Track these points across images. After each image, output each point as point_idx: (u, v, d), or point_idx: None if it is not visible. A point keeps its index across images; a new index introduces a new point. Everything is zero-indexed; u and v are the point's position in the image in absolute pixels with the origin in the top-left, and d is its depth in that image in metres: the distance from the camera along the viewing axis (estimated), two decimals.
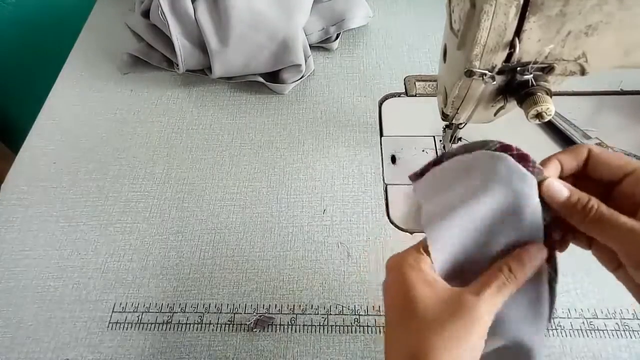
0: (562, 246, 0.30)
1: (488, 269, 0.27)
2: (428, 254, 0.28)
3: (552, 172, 0.28)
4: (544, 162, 0.29)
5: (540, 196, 0.28)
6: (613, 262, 0.28)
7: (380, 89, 0.63)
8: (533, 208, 0.28)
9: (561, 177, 0.29)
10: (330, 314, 0.44)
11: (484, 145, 0.31)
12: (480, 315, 0.25)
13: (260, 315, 0.44)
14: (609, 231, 0.26)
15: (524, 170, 0.28)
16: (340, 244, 0.49)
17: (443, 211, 0.29)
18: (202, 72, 0.64)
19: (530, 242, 0.28)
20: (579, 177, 0.29)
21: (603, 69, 0.35)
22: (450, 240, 0.28)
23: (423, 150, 0.56)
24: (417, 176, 0.32)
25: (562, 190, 0.27)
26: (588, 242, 0.30)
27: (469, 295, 0.26)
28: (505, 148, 0.30)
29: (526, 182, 0.28)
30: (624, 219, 0.25)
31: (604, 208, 0.26)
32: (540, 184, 0.28)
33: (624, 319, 0.42)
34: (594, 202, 0.26)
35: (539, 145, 0.55)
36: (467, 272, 0.28)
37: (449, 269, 0.28)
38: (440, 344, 0.24)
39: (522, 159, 0.28)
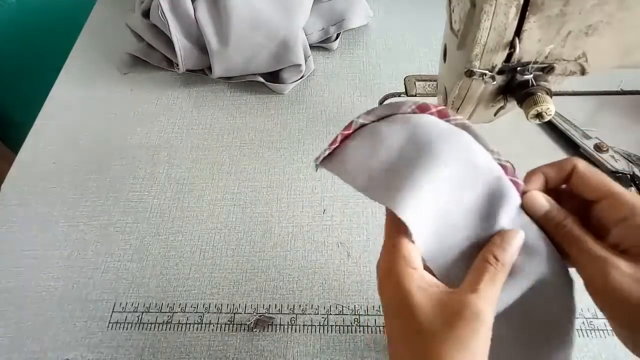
0: None
1: (474, 262, 0.27)
2: (406, 239, 0.27)
3: (536, 185, 0.29)
4: (529, 175, 0.29)
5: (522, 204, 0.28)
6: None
7: (380, 89, 0.63)
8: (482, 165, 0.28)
9: (545, 190, 0.30)
10: (330, 314, 0.44)
11: (397, 108, 0.30)
12: (482, 312, 0.25)
13: (260, 315, 0.44)
14: (575, 253, 0.26)
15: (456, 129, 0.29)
16: (340, 244, 0.49)
17: (392, 182, 0.27)
18: (202, 72, 0.64)
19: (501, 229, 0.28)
20: (564, 190, 0.30)
21: (603, 69, 0.35)
22: (422, 212, 0.27)
23: None
24: (326, 159, 0.30)
25: (542, 204, 0.28)
26: (568, 258, 0.30)
27: (466, 295, 0.25)
28: (423, 108, 0.29)
29: (460, 143, 0.28)
30: (591, 244, 0.26)
31: (576, 229, 0.27)
32: (523, 194, 0.28)
33: None
34: (568, 222, 0.27)
35: (539, 145, 0.55)
36: (448, 249, 0.28)
37: (433, 248, 0.28)
38: (449, 352, 0.24)
39: (443, 115, 0.29)
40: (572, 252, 0.27)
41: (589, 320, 0.42)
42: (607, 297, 0.25)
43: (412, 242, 0.27)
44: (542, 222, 0.28)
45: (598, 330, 0.42)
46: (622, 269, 0.24)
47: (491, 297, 0.25)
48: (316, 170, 0.31)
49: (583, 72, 0.34)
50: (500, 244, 0.27)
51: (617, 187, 0.28)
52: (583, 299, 0.27)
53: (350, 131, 0.30)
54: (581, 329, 0.42)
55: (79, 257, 0.49)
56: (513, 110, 0.39)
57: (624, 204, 0.27)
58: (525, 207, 0.28)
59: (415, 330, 0.25)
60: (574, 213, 0.28)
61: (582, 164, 0.29)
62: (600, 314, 0.42)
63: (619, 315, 0.25)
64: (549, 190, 0.30)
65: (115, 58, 0.67)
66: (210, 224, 0.51)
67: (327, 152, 0.31)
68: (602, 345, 0.41)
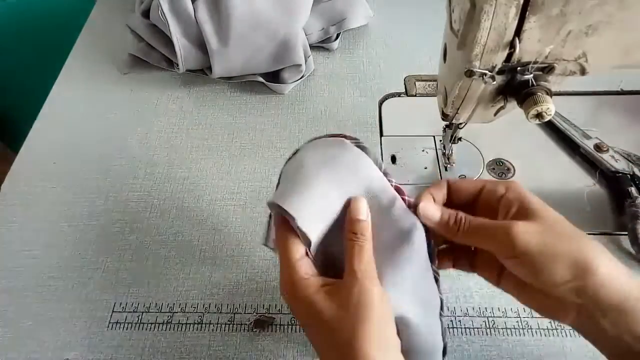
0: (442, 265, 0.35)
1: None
2: (292, 253, 0.30)
3: (427, 201, 0.33)
4: (420, 196, 0.33)
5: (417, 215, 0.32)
6: (493, 273, 0.33)
7: (380, 89, 0.63)
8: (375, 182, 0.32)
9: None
10: None
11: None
12: (366, 285, 0.28)
13: (260, 315, 0.44)
14: (480, 234, 0.30)
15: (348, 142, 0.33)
16: None
17: (295, 188, 0.31)
18: (202, 72, 0.64)
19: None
20: (449, 205, 0.33)
21: (603, 69, 0.35)
22: (311, 209, 0.30)
23: (423, 150, 0.56)
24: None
25: (435, 211, 0.32)
26: (470, 265, 0.35)
27: (349, 278, 0.29)
28: (336, 135, 0.34)
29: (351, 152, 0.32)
30: (487, 221, 0.30)
31: (471, 217, 0.31)
32: (415, 207, 0.32)
33: None
34: (462, 215, 0.31)
35: (539, 145, 0.56)
36: (335, 244, 0.30)
37: (321, 242, 0.30)
38: (359, 330, 0.27)
39: (347, 138, 0.33)
40: (476, 236, 0.31)
41: None
42: (513, 253, 0.29)
43: (297, 256, 0.30)
44: (439, 227, 0.32)
45: None
46: (520, 226, 0.28)
47: (366, 269, 0.29)
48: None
49: (583, 72, 0.34)
50: (351, 218, 0.30)
51: (487, 179, 0.34)
52: None
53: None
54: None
55: (79, 257, 0.49)
56: (513, 110, 0.39)
57: (497, 184, 0.32)
58: (421, 219, 0.32)
59: (327, 329, 0.28)
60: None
61: (452, 180, 0.34)
62: None
63: (523, 264, 0.29)
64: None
65: (115, 58, 0.67)
66: (210, 224, 0.51)
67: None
68: None
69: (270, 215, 0.36)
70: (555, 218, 0.29)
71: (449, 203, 0.34)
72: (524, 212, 0.30)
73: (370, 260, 0.29)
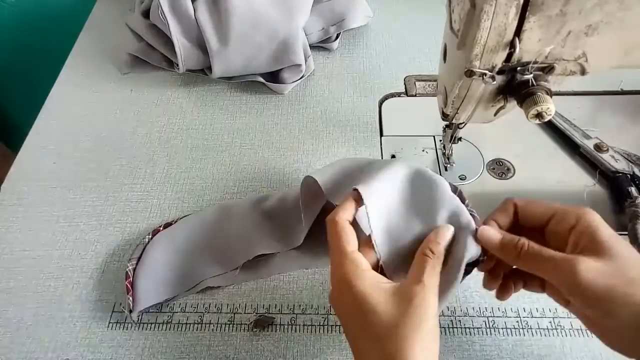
0: (504, 294, 0.35)
1: (415, 258, 0.31)
2: (351, 247, 0.32)
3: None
4: (485, 221, 0.33)
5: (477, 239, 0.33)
6: (562, 297, 0.32)
7: (380, 89, 0.63)
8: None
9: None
10: (330, 314, 0.44)
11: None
12: (427, 299, 0.29)
13: (260, 315, 0.44)
14: (539, 264, 0.30)
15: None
16: None
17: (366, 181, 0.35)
18: (202, 72, 0.64)
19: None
20: (515, 228, 0.33)
21: (603, 69, 0.35)
22: (380, 206, 0.34)
23: (423, 150, 0.56)
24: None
25: (495, 235, 0.32)
26: (540, 286, 0.34)
27: (413, 286, 0.29)
28: None
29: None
30: (551, 252, 0.29)
31: (533, 244, 0.30)
32: (475, 232, 0.33)
33: None
34: (524, 240, 0.30)
35: (539, 145, 0.56)
36: (397, 248, 0.33)
37: (385, 239, 0.33)
38: (407, 333, 0.28)
39: None
40: (536, 266, 0.30)
41: None
42: (577, 292, 0.28)
43: (353, 248, 0.32)
44: (499, 251, 0.32)
45: None
46: (586, 264, 0.27)
47: (433, 285, 0.30)
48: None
49: (583, 72, 0.34)
50: (435, 239, 0.32)
51: (557, 204, 0.32)
52: None
53: None
54: (581, 329, 0.42)
55: (79, 257, 0.49)
56: (513, 110, 0.39)
57: (568, 213, 0.31)
58: (481, 243, 0.32)
59: (376, 322, 0.28)
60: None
61: (520, 201, 0.34)
62: None
63: (588, 305, 0.28)
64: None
65: (115, 58, 0.67)
66: None
67: None
68: (602, 345, 0.41)
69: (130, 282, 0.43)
70: (628, 257, 0.28)
71: (516, 227, 0.33)
72: (594, 247, 0.28)
73: (437, 279, 0.30)
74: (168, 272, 0.45)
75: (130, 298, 0.43)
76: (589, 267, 0.27)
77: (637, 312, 0.26)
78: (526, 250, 0.30)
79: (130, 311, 0.43)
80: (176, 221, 0.49)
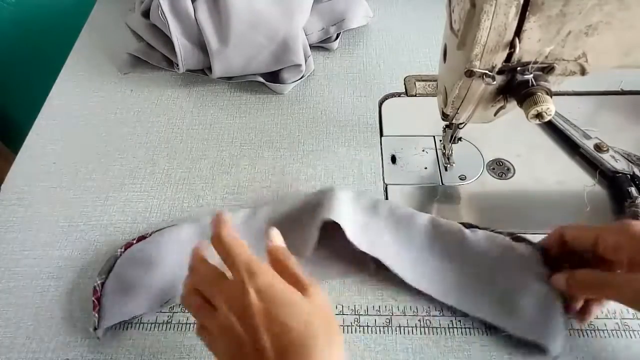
0: (585, 318, 0.39)
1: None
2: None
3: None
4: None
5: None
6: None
7: (380, 89, 0.63)
8: None
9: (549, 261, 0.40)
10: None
11: None
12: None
13: None
14: (599, 290, 0.35)
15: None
16: None
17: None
18: (202, 72, 0.64)
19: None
20: (568, 254, 0.38)
21: (603, 69, 0.35)
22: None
23: (423, 150, 0.56)
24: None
25: (560, 279, 0.37)
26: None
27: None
28: None
29: None
30: (610, 276, 0.33)
31: (588, 272, 0.35)
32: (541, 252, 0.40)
33: (624, 319, 0.42)
34: (578, 275, 0.35)
35: (539, 145, 0.55)
36: None
37: None
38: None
39: None
40: (599, 292, 0.35)
41: None
42: None
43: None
44: (568, 289, 0.37)
45: (598, 330, 0.42)
46: None
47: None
48: None
49: (583, 72, 0.34)
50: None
51: (601, 226, 0.36)
52: None
53: None
54: (581, 329, 0.42)
55: (79, 257, 0.49)
56: (513, 110, 0.39)
57: (609, 234, 0.34)
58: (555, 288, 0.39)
59: (334, 333, 0.32)
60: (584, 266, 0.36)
61: (566, 227, 0.38)
62: (600, 314, 0.42)
63: None
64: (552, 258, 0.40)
65: (115, 58, 0.67)
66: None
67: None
68: (602, 345, 0.41)
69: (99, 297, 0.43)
70: None
71: (568, 252, 0.38)
72: None
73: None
74: (139, 287, 0.44)
75: (96, 315, 0.42)
76: None
77: None
78: (581, 283, 0.35)
79: (95, 328, 0.42)
80: (150, 234, 0.47)
